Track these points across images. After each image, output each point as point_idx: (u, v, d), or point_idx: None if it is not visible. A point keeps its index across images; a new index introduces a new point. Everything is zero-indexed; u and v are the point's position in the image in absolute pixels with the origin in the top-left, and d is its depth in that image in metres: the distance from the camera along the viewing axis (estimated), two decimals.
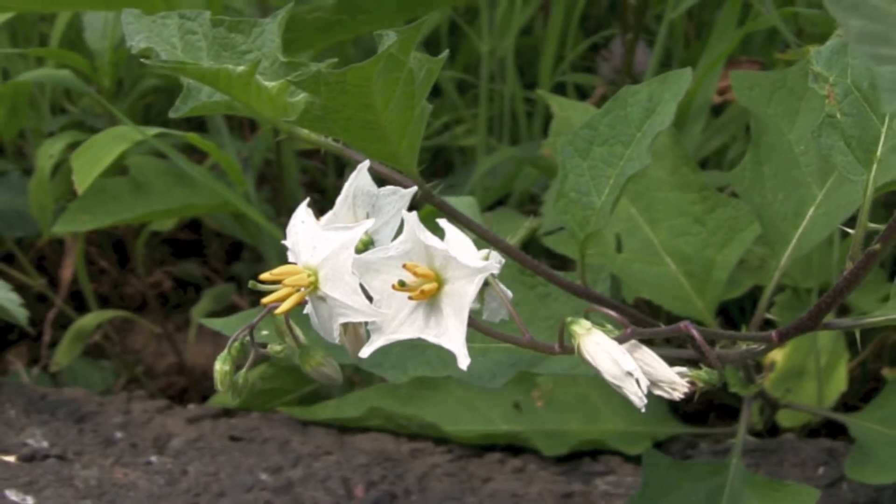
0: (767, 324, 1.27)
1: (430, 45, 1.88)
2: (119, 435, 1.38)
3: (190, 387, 1.72)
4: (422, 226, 0.75)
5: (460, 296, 0.75)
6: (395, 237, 0.78)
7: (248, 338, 0.82)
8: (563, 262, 1.46)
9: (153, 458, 1.33)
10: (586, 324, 0.81)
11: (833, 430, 1.47)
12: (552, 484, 1.35)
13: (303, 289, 0.77)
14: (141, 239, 1.70)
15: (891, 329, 1.51)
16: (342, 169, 1.87)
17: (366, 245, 0.79)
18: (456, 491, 1.32)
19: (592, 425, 1.41)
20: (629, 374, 0.79)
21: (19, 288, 1.44)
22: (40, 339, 1.66)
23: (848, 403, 1.51)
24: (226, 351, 0.80)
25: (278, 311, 0.77)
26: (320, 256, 0.77)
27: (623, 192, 1.04)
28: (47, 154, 1.52)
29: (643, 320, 1.08)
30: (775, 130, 1.25)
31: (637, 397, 0.79)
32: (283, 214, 1.68)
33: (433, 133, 1.88)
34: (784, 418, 1.47)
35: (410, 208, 0.80)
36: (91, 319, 1.62)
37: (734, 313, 1.61)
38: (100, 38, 1.58)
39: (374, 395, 1.43)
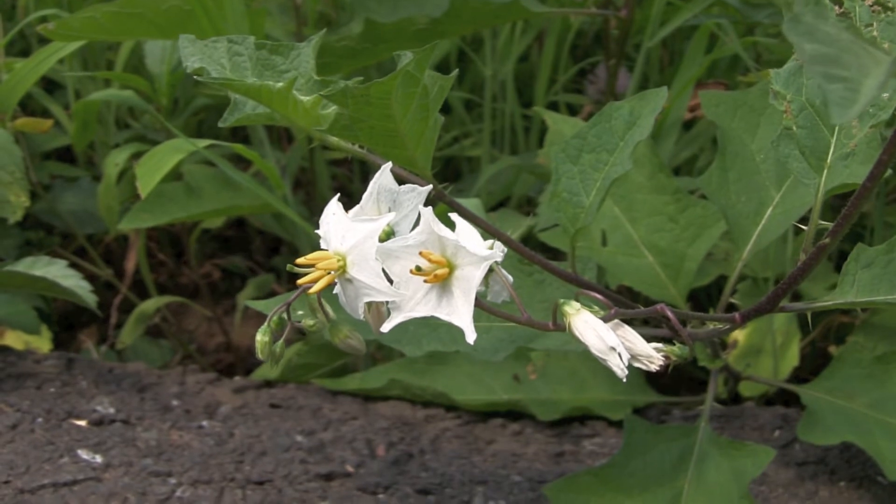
0: (731, 308, 1.26)
1: (441, 69, 1.87)
2: (175, 403, 1.38)
3: (236, 362, 1.72)
4: (436, 219, 0.75)
5: (468, 280, 0.75)
6: (413, 229, 0.78)
7: (285, 314, 0.81)
8: (555, 255, 1.45)
9: (204, 423, 1.33)
10: (576, 305, 0.81)
11: (787, 399, 1.47)
12: (546, 445, 1.35)
13: (333, 272, 0.77)
14: (194, 235, 1.70)
15: (837, 313, 1.50)
16: (366, 176, 1.86)
17: (388, 235, 0.79)
18: (464, 451, 1.32)
19: (581, 395, 1.41)
20: (612, 348, 0.79)
21: (90, 277, 1.44)
22: (108, 321, 1.66)
23: (800, 376, 1.51)
24: (266, 324, 0.80)
25: (312, 290, 0.77)
26: (349, 244, 0.77)
27: (608, 193, 1.03)
28: (113, 163, 1.52)
29: (625, 304, 1.07)
30: (738, 142, 1.24)
31: (619, 369, 0.79)
32: (316, 214, 1.66)
33: (444, 145, 1.87)
34: (745, 389, 1.46)
35: (426, 205, 0.80)
36: (151, 304, 1.62)
37: (703, 299, 1.60)
38: (158, 63, 1.58)
39: (393, 368, 1.43)
